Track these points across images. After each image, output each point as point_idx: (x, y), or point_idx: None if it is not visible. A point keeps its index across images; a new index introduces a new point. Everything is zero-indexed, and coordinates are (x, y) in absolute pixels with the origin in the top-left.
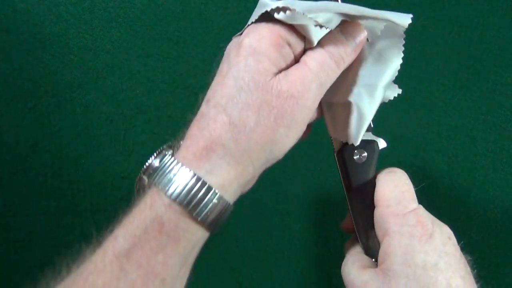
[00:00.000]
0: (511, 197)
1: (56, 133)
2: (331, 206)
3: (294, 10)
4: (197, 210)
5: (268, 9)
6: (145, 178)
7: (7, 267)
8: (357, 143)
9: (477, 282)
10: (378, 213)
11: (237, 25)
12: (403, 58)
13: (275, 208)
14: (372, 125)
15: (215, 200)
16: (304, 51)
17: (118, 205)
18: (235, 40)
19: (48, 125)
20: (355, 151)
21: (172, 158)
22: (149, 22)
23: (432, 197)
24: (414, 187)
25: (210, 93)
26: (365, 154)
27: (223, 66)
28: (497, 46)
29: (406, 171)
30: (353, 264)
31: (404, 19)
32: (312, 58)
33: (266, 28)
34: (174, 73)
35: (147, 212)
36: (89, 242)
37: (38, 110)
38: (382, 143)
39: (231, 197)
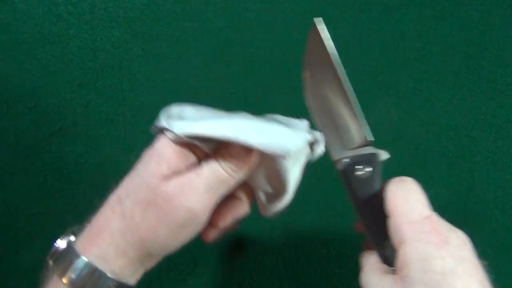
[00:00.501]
0: (511, 197)
1: (56, 133)
2: (331, 206)
3: (173, 132)
4: None
5: (159, 127)
6: (50, 262)
7: (7, 267)
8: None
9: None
10: (393, 222)
11: (237, 25)
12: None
13: None
14: (371, 139)
15: (108, 283)
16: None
17: None
18: (152, 144)
19: (48, 125)
20: (357, 167)
21: (70, 244)
22: (149, 22)
23: (432, 197)
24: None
25: (120, 184)
26: (369, 168)
27: (137, 163)
28: (497, 46)
29: (406, 171)
30: (374, 272)
31: (282, 146)
32: (208, 165)
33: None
34: (174, 73)
35: None
36: None
37: (38, 110)
38: (384, 155)
39: (126, 278)
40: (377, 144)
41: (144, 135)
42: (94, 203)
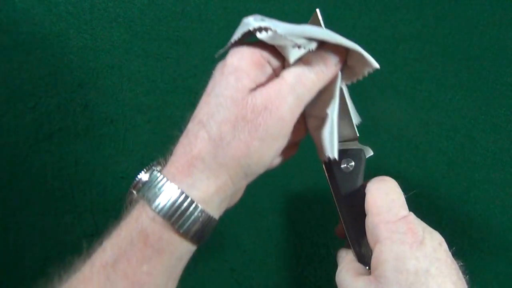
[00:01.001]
0: (511, 197)
1: (56, 133)
2: (331, 206)
3: (275, 31)
4: (179, 222)
5: (251, 28)
6: (134, 192)
7: (7, 267)
8: (334, 156)
9: (470, 287)
10: (369, 221)
11: (237, 25)
12: (397, 63)
13: (275, 208)
14: (358, 134)
15: (197, 213)
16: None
17: (118, 205)
18: (221, 62)
19: (48, 125)
20: (342, 160)
21: (159, 173)
22: (149, 22)
23: (432, 197)
24: (404, 195)
25: (196, 111)
26: (352, 163)
27: (209, 85)
28: (497, 46)
29: (406, 171)
30: (347, 272)
31: (374, 62)
32: (290, 72)
33: (247, 48)
34: (174, 73)
35: (133, 224)
36: (80, 254)
37: (38, 110)
38: (368, 152)
39: (213, 211)
40: (377, 144)
41: (144, 135)
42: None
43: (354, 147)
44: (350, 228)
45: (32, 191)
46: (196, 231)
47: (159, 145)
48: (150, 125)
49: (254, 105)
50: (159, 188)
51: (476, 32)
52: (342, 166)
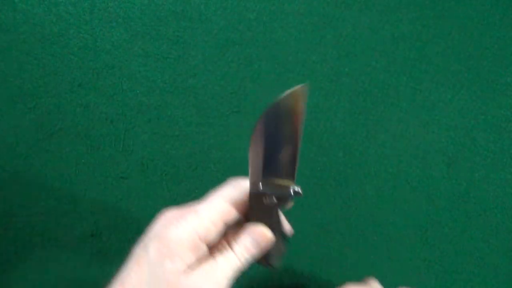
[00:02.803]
0: (511, 197)
1: (56, 133)
2: (331, 206)
3: None
4: None
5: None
6: None
7: (7, 267)
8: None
9: None
10: None
11: (237, 25)
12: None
13: None
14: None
15: None
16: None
17: (118, 205)
18: (155, 229)
19: (48, 125)
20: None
21: None
22: (149, 22)
23: (432, 197)
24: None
25: (125, 275)
26: (275, 201)
27: (141, 254)
28: (497, 46)
29: (406, 171)
30: None
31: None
32: (223, 256)
33: (187, 227)
34: (174, 73)
35: None
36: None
37: (38, 110)
38: (297, 191)
39: None
40: (377, 144)
41: (144, 135)
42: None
43: (287, 185)
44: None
45: (32, 191)
46: None
47: (159, 145)
48: (150, 125)
49: (188, 285)
50: None
51: (476, 32)
52: (265, 201)
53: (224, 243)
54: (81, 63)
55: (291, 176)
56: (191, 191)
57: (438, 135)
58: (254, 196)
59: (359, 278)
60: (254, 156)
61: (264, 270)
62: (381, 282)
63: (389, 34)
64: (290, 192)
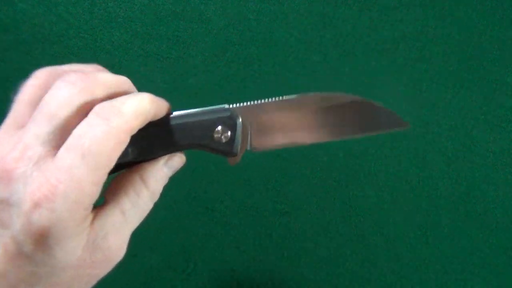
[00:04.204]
0: (511, 197)
1: None
2: (331, 205)
3: None
4: None
5: None
6: None
7: None
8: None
9: None
10: None
11: (237, 25)
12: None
13: (275, 208)
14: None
15: None
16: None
17: None
18: None
19: None
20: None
21: None
22: (149, 22)
23: (432, 197)
24: None
25: None
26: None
27: (8, 240)
28: (497, 46)
29: (406, 171)
30: None
31: None
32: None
33: None
34: (174, 73)
35: None
36: None
37: None
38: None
39: None
40: (377, 144)
41: None
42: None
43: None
44: None
45: None
46: None
47: None
48: None
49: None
50: None
51: (476, 32)
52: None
53: None
54: (81, 63)
55: None
56: (191, 191)
57: (438, 135)
58: None
59: (359, 279)
60: None
61: (264, 270)
62: (381, 282)
63: (389, 34)
64: None
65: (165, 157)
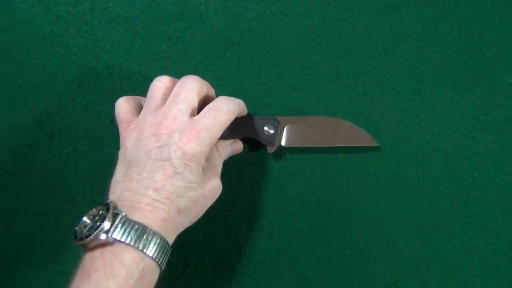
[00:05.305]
0: (511, 197)
1: (56, 133)
2: (331, 206)
3: None
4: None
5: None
6: (102, 237)
7: (7, 267)
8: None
9: None
10: None
11: (237, 25)
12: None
13: (275, 208)
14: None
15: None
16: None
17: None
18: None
19: (48, 125)
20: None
21: (141, 224)
22: (149, 22)
23: (432, 197)
24: None
25: (159, 184)
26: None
27: (168, 166)
28: (497, 46)
29: (406, 171)
30: None
31: None
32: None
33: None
34: (174, 73)
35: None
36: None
37: (38, 110)
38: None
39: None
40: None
41: None
42: (94, 203)
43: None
44: None
45: (32, 191)
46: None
47: None
48: None
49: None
50: (147, 237)
51: (476, 32)
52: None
53: None
54: (81, 63)
55: None
56: None
57: (438, 135)
58: None
59: (359, 279)
60: None
61: (264, 270)
62: (381, 282)
63: (389, 34)
64: None
65: (231, 140)
